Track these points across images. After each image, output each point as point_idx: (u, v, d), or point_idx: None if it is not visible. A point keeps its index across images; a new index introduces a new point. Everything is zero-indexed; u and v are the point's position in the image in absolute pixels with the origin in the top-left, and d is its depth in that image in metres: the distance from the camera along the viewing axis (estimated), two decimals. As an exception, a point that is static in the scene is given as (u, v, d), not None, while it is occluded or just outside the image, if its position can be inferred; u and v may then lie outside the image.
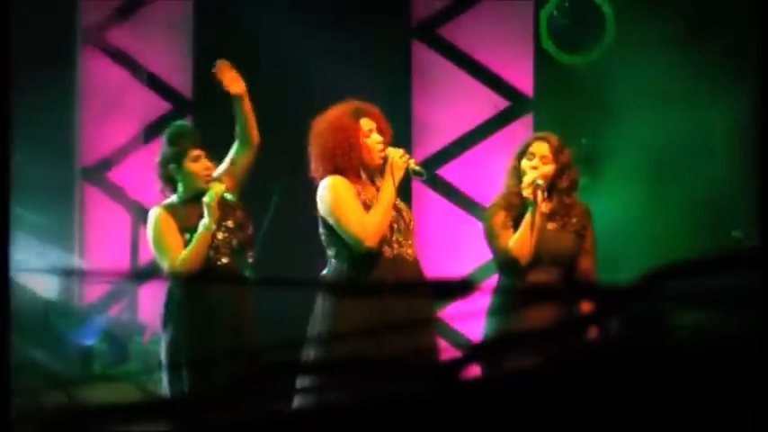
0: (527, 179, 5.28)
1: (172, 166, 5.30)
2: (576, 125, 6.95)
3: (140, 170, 7.77)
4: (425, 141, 7.57)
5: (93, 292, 8.03)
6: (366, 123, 5.09)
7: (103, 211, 8.13)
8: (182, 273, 5.18)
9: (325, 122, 5.10)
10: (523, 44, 7.57)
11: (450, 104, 7.70)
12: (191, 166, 5.28)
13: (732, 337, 1.83)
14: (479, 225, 5.64)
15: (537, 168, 5.31)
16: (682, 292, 1.82)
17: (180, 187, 5.32)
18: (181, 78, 8.05)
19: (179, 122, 5.68)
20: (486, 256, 5.63)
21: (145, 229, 7.80)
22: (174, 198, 5.35)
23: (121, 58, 8.08)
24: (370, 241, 4.95)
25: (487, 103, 7.64)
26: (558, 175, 5.36)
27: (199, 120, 7.49)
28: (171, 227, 5.25)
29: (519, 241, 5.24)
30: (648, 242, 6.78)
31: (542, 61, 7.45)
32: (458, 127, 7.68)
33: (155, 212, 5.31)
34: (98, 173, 8.15)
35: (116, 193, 8.10)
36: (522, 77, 7.62)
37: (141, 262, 8.02)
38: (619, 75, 7.05)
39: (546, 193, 5.36)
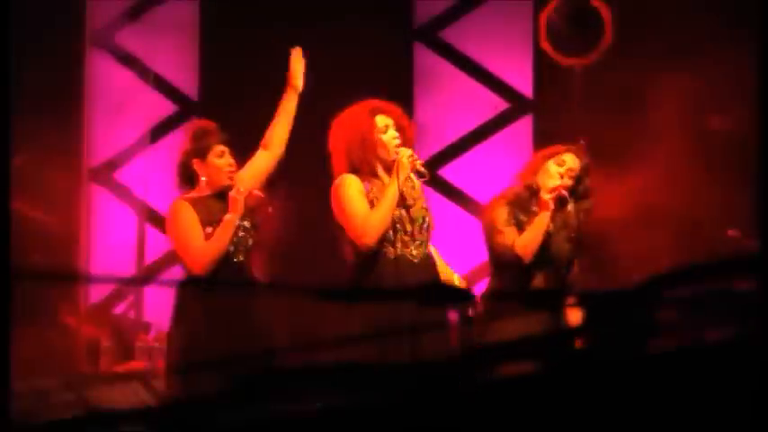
0: (551, 183, 5.32)
1: (196, 160, 5.23)
2: (575, 126, 7.00)
3: (147, 171, 7.85)
4: (426, 142, 7.58)
5: (100, 291, 8.03)
6: (382, 120, 5.08)
7: (110, 211, 8.14)
8: (202, 264, 5.11)
9: (341, 120, 5.11)
10: (523, 46, 7.61)
11: (451, 105, 7.73)
12: (215, 161, 5.22)
13: (730, 341, 1.85)
14: (480, 225, 5.63)
15: (563, 177, 5.34)
16: (680, 297, 1.84)
17: (202, 183, 5.24)
18: (187, 80, 8.07)
19: (203, 120, 5.64)
20: (486, 256, 5.64)
21: (151, 229, 7.91)
22: (194, 193, 5.26)
23: (128, 60, 8.10)
24: (368, 239, 4.93)
25: (488, 105, 7.71)
26: (574, 190, 5.39)
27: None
28: (193, 218, 5.16)
29: (527, 242, 5.26)
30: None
31: (542, 63, 7.50)
32: (458, 128, 7.71)
33: (176, 204, 5.22)
34: (105, 173, 8.15)
35: (123, 194, 8.12)
36: (522, 79, 7.67)
37: (148, 261, 8.09)
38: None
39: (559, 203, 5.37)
